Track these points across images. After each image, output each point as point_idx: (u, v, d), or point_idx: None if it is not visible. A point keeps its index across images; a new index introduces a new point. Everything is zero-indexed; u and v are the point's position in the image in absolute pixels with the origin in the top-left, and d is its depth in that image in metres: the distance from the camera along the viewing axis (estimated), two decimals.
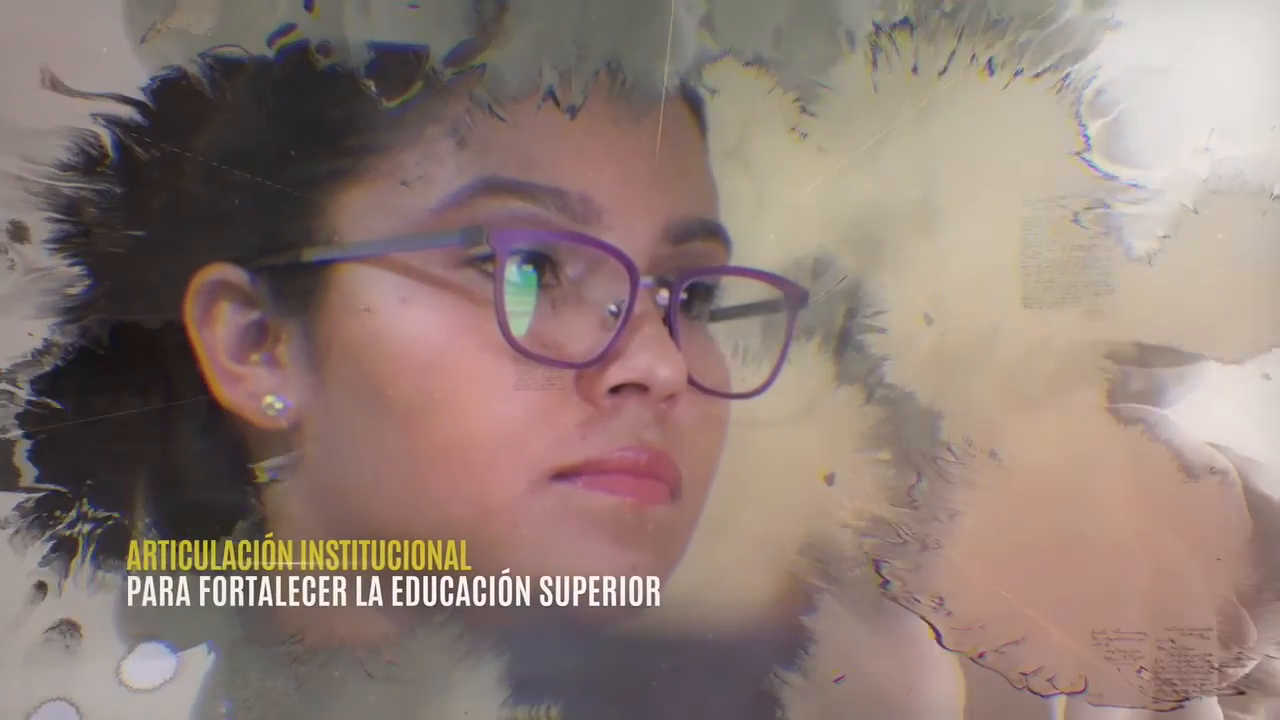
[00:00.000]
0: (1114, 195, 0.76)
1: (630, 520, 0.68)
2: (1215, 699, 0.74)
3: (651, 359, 0.68)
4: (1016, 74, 0.77)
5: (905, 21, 0.76)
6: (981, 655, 0.74)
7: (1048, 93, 0.76)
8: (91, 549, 0.71)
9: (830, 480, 0.76)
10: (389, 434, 0.68)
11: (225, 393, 0.70)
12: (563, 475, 0.68)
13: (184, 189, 0.71)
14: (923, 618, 0.75)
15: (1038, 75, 0.76)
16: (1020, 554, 0.76)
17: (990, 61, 0.76)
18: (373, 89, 0.70)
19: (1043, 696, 0.74)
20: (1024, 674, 0.74)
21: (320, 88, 0.71)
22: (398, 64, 0.70)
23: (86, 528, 0.71)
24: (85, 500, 0.71)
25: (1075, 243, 0.76)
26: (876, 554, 0.75)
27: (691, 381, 0.70)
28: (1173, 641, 0.74)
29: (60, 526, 0.71)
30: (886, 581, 0.75)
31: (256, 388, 0.70)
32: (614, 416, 0.68)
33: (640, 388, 0.68)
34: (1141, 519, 0.76)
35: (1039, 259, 0.76)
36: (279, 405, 0.69)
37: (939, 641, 0.75)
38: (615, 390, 0.68)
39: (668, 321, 0.70)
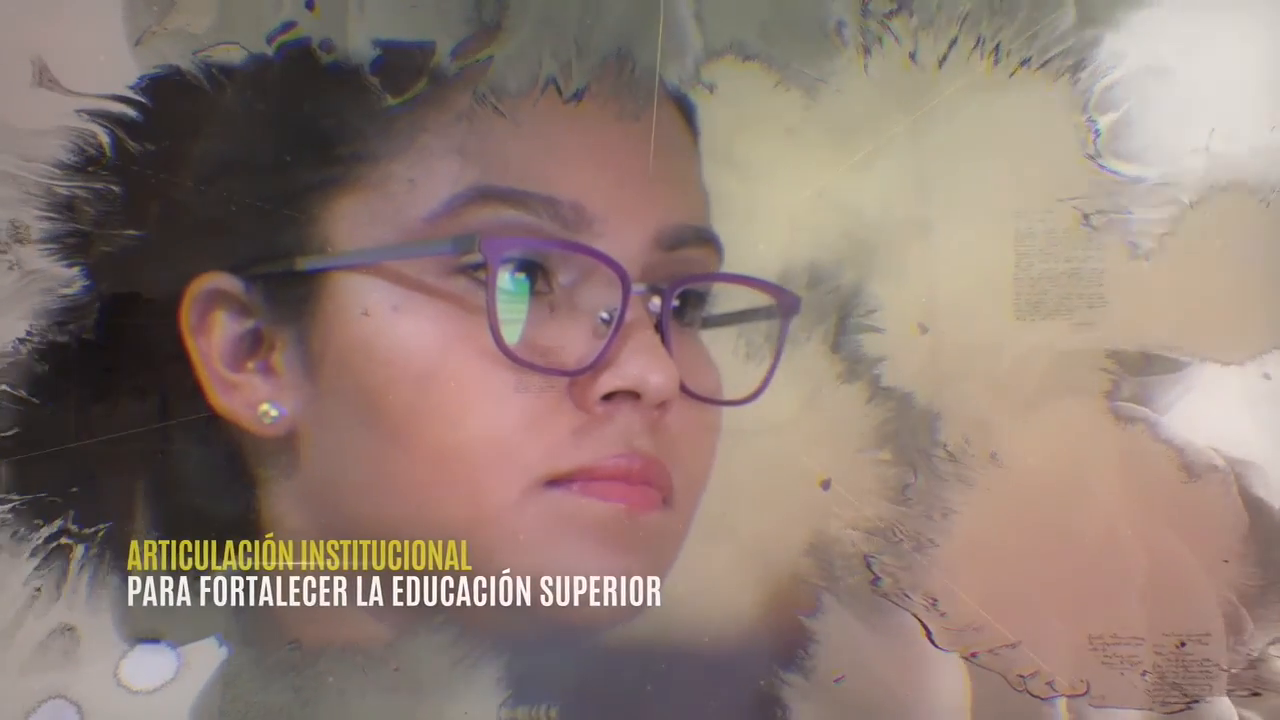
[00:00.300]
0: (1129, 196, 0.76)
1: (623, 527, 0.68)
2: (1227, 697, 0.74)
3: (643, 366, 0.68)
4: (1024, 63, 0.76)
5: (903, 8, 0.76)
6: (974, 655, 0.74)
7: (1056, 79, 0.76)
8: (89, 563, 0.72)
9: (826, 485, 0.76)
10: (383, 441, 0.68)
11: (221, 401, 0.70)
12: (556, 482, 0.68)
13: (178, 196, 0.71)
14: (914, 615, 0.75)
15: (1044, 65, 0.76)
16: (1017, 554, 0.75)
17: (997, 48, 0.76)
18: (377, 85, 0.70)
19: (1043, 700, 0.74)
20: (1022, 676, 0.74)
21: (319, 88, 0.71)
22: (403, 60, 0.70)
23: (80, 548, 0.71)
24: (72, 512, 0.72)
25: (1071, 253, 0.75)
26: (868, 550, 0.75)
27: (684, 389, 0.70)
28: (1180, 646, 0.74)
29: (42, 539, 0.71)
30: (877, 578, 0.75)
31: (252, 396, 0.70)
32: (607, 424, 0.68)
33: (633, 395, 0.68)
34: (1142, 519, 0.75)
35: (1032, 270, 0.75)
36: (274, 413, 0.70)
37: (930, 639, 0.75)
38: (608, 397, 0.68)
39: (660, 329, 0.70)
